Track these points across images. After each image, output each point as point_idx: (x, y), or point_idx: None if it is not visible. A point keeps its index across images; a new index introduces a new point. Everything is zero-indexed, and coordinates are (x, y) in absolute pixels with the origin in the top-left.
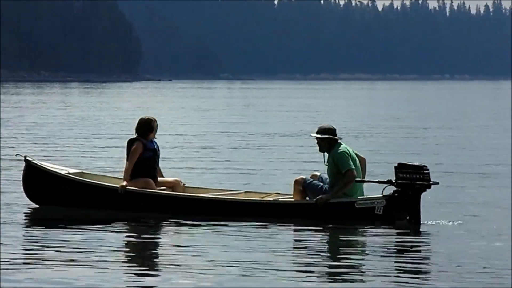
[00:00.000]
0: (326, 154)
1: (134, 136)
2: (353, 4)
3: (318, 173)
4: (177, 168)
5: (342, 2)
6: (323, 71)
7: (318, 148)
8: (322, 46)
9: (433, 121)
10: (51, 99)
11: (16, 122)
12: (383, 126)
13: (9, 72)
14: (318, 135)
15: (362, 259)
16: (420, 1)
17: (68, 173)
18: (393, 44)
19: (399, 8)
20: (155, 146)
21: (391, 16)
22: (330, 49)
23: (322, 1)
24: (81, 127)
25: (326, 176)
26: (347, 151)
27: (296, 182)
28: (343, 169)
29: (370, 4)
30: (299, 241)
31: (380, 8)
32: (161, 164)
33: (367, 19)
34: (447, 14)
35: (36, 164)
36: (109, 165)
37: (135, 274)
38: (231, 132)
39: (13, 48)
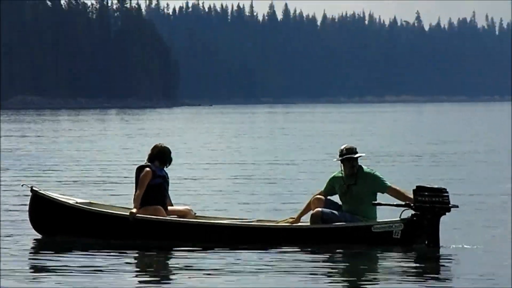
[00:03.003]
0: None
1: (144, 163)
2: (399, 23)
3: (320, 196)
4: (191, 196)
5: (387, 22)
6: (368, 93)
7: (347, 171)
8: (366, 67)
9: (469, 145)
10: (83, 127)
11: (36, 152)
12: (415, 150)
13: (46, 99)
14: (358, 155)
15: (380, 285)
16: (468, 20)
17: (76, 203)
18: (441, 64)
19: (446, 27)
20: (164, 174)
21: (438, 35)
22: (375, 70)
23: (366, 21)
24: (106, 157)
25: (332, 198)
26: None
27: (314, 216)
28: (385, 186)
29: (416, 24)
30: (315, 266)
31: (426, 27)
32: (177, 192)
33: (413, 39)
34: (497, 32)
35: (43, 194)
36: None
37: None
38: (256, 159)
39: (50, 75)
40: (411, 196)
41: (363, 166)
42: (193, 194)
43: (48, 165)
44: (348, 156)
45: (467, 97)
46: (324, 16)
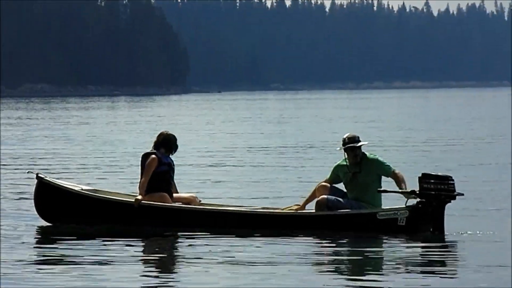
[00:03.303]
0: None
1: (149, 150)
2: (407, 9)
3: (326, 183)
4: (197, 183)
5: (396, 8)
6: (377, 79)
7: (351, 159)
8: (375, 53)
9: (475, 131)
10: (91, 114)
11: (39, 138)
12: (420, 136)
13: (56, 87)
14: (361, 143)
15: (384, 272)
16: (477, 5)
17: (82, 189)
18: (449, 50)
19: (455, 12)
20: (170, 161)
21: (446, 21)
22: (383, 56)
23: (375, 7)
24: (109, 144)
25: (338, 186)
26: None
27: (319, 203)
28: (390, 171)
29: (425, 10)
30: (320, 253)
31: (435, 13)
32: (183, 179)
33: (422, 25)
34: (506, 18)
35: (49, 181)
36: (130, 181)
37: None
38: (262, 146)
39: (59, 62)
40: (405, 184)
41: (366, 153)
42: (199, 181)
43: (56, 152)
44: (350, 146)
45: (476, 82)
46: (333, 3)
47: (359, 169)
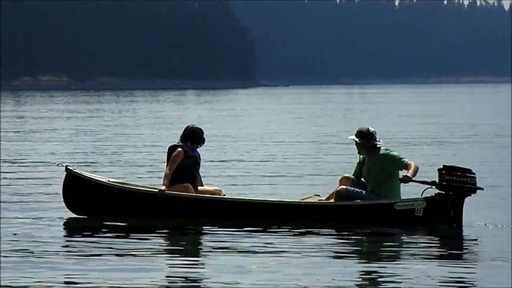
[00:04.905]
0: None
1: (177, 143)
2: (478, 4)
3: (349, 175)
4: (224, 178)
5: (466, 2)
6: (445, 74)
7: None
8: (443, 48)
9: None
10: (154, 108)
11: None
12: (461, 131)
13: (123, 80)
14: (352, 137)
15: (402, 264)
16: None
17: (108, 181)
18: None
19: None
20: (196, 154)
21: None
22: (452, 50)
23: (445, 2)
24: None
25: (359, 179)
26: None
27: (338, 194)
28: (403, 164)
29: (496, 4)
30: (338, 243)
31: (506, 7)
32: (211, 171)
33: (492, 19)
34: None
35: (76, 172)
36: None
37: (176, 280)
38: (302, 141)
39: (127, 56)
40: (413, 174)
41: (382, 148)
42: (229, 175)
43: (108, 147)
44: (354, 139)
45: None
46: None
47: (372, 163)
